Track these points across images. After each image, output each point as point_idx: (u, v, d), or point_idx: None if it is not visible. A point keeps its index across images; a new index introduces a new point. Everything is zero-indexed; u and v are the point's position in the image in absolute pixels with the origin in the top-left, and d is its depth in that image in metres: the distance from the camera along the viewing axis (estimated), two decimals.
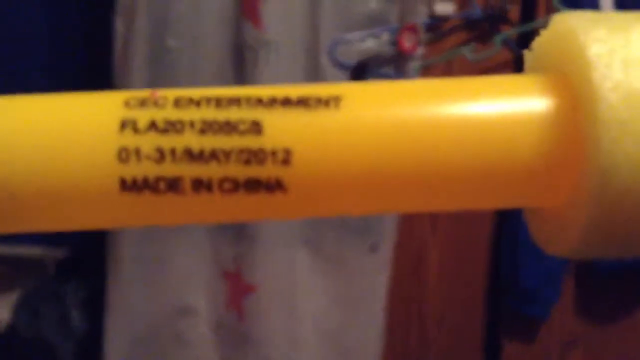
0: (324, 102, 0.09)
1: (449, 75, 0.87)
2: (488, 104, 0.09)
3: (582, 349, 0.90)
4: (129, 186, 0.08)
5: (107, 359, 0.95)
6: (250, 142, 0.08)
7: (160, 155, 0.08)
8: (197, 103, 0.09)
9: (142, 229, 0.88)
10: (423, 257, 0.91)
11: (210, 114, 0.08)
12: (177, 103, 0.09)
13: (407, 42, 0.81)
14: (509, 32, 0.83)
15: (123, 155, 0.08)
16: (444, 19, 0.84)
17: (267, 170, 0.08)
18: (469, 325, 0.94)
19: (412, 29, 0.81)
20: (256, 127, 0.08)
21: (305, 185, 0.09)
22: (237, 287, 0.87)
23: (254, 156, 0.08)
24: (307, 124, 0.08)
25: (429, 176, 0.09)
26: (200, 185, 0.08)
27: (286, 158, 0.08)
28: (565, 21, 0.09)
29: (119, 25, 0.83)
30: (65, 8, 0.89)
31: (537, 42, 0.10)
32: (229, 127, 0.08)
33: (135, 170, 0.08)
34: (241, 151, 0.08)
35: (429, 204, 0.10)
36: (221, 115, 0.08)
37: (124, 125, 0.09)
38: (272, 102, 0.09)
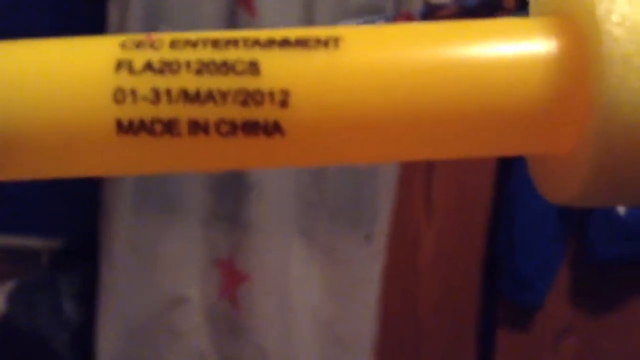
0: (323, 43, 0.09)
1: None
2: (490, 46, 0.09)
3: (577, 337, 0.90)
4: (125, 128, 0.08)
5: (100, 350, 0.95)
6: (248, 82, 0.08)
7: (156, 95, 0.08)
8: (194, 44, 0.09)
9: (134, 218, 0.87)
10: (417, 247, 0.91)
11: (207, 54, 0.08)
12: (174, 44, 0.09)
13: None
14: None
15: (119, 96, 0.09)
16: (439, 6, 0.83)
17: (265, 112, 0.08)
18: (464, 314, 0.93)
19: (407, 17, 0.80)
20: (253, 68, 0.08)
21: (304, 129, 0.09)
22: (230, 276, 0.87)
23: (251, 97, 0.08)
24: (305, 64, 0.09)
25: (431, 120, 0.09)
26: (197, 127, 0.08)
27: (284, 99, 0.08)
28: None
29: (113, 14, 0.82)
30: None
31: None
32: (225, 68, 0.08)
33: (132, 111, 0.08)
34: (238, 92, 0.08)
35: (431, 150, 0.10)
36: (218, 55, 0.08)
37: (119, 66, 0.09)
38: (270, 43, 0.09)
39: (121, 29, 0.82)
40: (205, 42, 0.09)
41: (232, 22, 0.81)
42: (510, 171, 0.89)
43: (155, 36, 0.09)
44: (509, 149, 0.09)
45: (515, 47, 0.09)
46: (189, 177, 0.87)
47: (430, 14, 0.83)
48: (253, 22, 0.80)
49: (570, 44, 0.08)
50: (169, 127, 0.08)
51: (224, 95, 0.08)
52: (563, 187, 0.09)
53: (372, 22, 0.82)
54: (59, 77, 0.10)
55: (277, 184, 0.84)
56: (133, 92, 0.08)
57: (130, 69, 0.09)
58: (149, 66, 0.09)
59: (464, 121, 0.09)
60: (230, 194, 0.85)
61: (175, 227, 0.88)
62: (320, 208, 0.85)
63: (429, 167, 0.93)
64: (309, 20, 0.80)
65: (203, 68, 0.08)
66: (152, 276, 0.90)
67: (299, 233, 0.86)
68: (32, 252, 1.44)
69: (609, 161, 0.08)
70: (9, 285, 1.21)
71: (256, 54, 0.08)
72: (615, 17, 0.08)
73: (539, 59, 0.09)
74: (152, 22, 0.81)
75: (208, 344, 0.90)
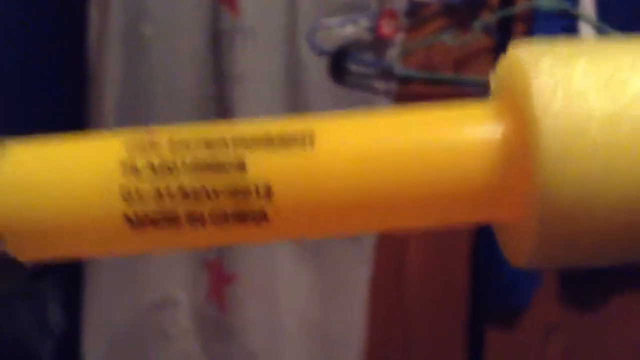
0: (300, 140, 0.10)
1: (429, 62, 0.86)
2: (446, 132, 0.10)
3: (564, 336, 0.90)
4: (132, 222, 0.10)
5: (86, 355, 0.93)
6: (236, 179, 0.09)
7: (158, 194, 0.10)
8: (188, 145, 0.10)
9: None
10: (404, 248, 0.91)
11: (201, 155, 0.09)
12: (172, 146, 0.10)
13: (386, 28, 0.80)
14: (489, 17, 0.83)
15: (126, 195, 0.10)
16: (423, 4, 0.83)
17: (252, 204, 0.10)
18: (452, 316, 0.93)
19: (392, 15, 0.80)
20: (241, 167, 0.10)
21: (286, 215, 0.10)
22: (218, 277, 0.86)
23: (240, 192, 0.09)
24: (285, 161, 0.10)
25: (398, 200, 0.10)
26: (194, 219, 0.09)
27: (268, 192, 0.10)
28: (516, 52, 0.10)
29: (93, 12, 0.81)
30: None
31: (498, 67, 0.11)
32: (217, 167, 0.10)
33: (138, 207, 0.10)
34: (229, 188, 0.09)
35: (400, 223, 0.11)
36: (210, 156, 0.10)
37: (124, 167, 0.10)
38: (255, 142, 0.10)
39: (101, 26, 0.81)
40: (198, 143, 0.10)
41: (213, 20, 0.80)
42: None
43: (155, 134, 0.10)
44: (467, 219, 0.10)
45: (464, 135, 0.10)
46: None
47: (414, 11, 0.83)
48: (236, 21, 0.80)
49: (514, 133, 0.09)
50: (171, 220, 0.10)
51: (216, 191, 0.09)
52: (518, 255, 0.10)
53: (356, 20, 0.82)
54: (73, 179, 0.11)
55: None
56: (138, 191, 0.10)
57: (135, 171, 0.10)
58: (151, 167, 0.10)
59: (427, 199, 0.10)
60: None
61: None
62: None
63: None
64: (292, 16, 0.80)
65: (198, 168, 0.09)
66: (137, 279, 0.89)
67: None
68: (13, 261, 1.42)
69: (552, 234, 0.08)
70: None
71: (243, 154, 0.09)
72: (553, 110, 0.09)
73: (485, 145, 0.09)
74: (133, 21, 0.81)
75: (196, 346, 0.89)
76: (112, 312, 0.91)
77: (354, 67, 0.83)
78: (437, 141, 0.10)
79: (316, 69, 0.82)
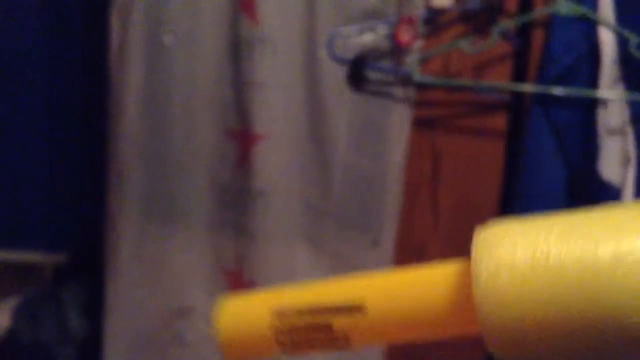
0: (357, 308, 0.16)
1: (448, 68, 0.86)
2: (424, 288, 0.16)
3: None
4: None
5: None
6: (328, 333, 0.16)
7: (291, 340, 0.17)
8: (302, 312, 0.16)
9: (140, 228, 0.87)
10: (424, 252, 0.91)
11: (309, 319, 0.16)
12: (299, 312, 0.17)
13: (404, 35, 0.80)
14: (507, 23, 0.83)
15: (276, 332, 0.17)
16: (441, 11, 0.83)
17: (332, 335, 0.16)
18: None
19: (410, 22, 0.80)
20: (329, 327, 0.16)
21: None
22: (237, 285, 0.86)
23: (332, 339, 0.16)
24: (352, 322, 0.16)
25: (404, 332, 0.15)
26: (309, 345, 0.17)
27: (346, 339, 0.16)
28: (479, 234, 0.15)
29: (115, 21, 0.82)
30: (62, 3, 0.89)
31: (475, 239, 0.16)
32: (318, 327, 0.16)
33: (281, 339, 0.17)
34: (324, 337, 0.16)
35: (402, 339, 0.17)
36: (313, 319, 0.16)
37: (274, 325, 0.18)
38: (338, 310, 0.16)
39: (123, 36, 0.82)
40: (309, 311, 0.16)
41: (233, 29, 0.81)
42: (516, 176, 0.89)
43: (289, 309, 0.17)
44: (441, 335, 0.15)
45: (434, 290, 0.15)
46: (195, 186, 0.87)
47: (432, 18, 0.83)
48: (255, 30, 0.80)
49: (466, 288, 0.13)
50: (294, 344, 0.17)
51: (317, 339, 0.16)
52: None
53: (374, 27, 0.82)
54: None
55: (284, 192, 0.83)
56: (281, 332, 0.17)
57: (281, 324, 0.17)
58: (289, 327, 0.17)
59: (415, 327, 0.16)
60: (237, 202, 0.85)
61: (181, 237, 0.87)
62: (328, 215, 0.85)
63: (435, 175, 0.92)
64: (311, 25, 0.81)
65: (309, 327, 0.15)
66: (158, 287, 0.90)
67: (305, 240, 0.85)
68: (37, 267, 1.43)
69: (499, 345, 0.13)
70: (12, 301, 1.21)
71: (331, 319, 0.15)
72: (485, 274, 0.13)
73: (451, 293, 0.15)
74: (154, 30, 0.81)
75: (214, 354, 0.89)
76: (132, 319, 0.92)
77: (372, 75, 0.83)
78: (420, 294, 0.15)
79: (335, 76, 0.82)
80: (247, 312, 0.18)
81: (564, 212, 0.15)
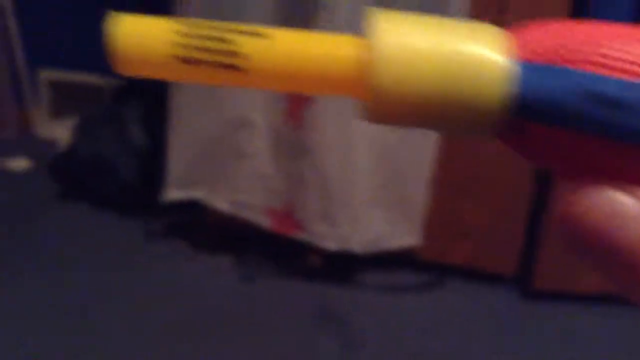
0: (263, 34, 0.16)
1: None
2: (323, 49, 0.16)
3: None
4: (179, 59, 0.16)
5: (169, 169, 0.99)
6: (227, 45, 0.16)
7: (188, 50, 0.16)
8: (205, 26, 0.16)
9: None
10: None
11: (211, 32, 0.16)
12: (203, 25, 0.16)
13: None
14: None
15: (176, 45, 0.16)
16: None
17: (234, 60, 0.16)
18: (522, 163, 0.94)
19: None
20: (230, 41, 0.16)
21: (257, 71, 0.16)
22: (297, 99, 0.88)
23: (230, 53, 0.16)
24: (255, 43, 0.16)
25: (299, 79, 0.16)
26: (203, 62, 0.16)
27: (245, 57, 0.16)
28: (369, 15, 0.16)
29: None
30: None
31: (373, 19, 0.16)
32: (218, 39, 0.16)
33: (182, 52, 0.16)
34: (224, 50, 0.16)
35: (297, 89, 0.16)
36: (216, 33, 0.16)
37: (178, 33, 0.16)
38: (243, 31, 0.16)
39: None
40: (213, 26, 0.16)
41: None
42: (582, 15, 0.87)
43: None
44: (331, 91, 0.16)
45: (335, 51, 0.16)
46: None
47: None
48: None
49: (365, 54, 0.15)
50: (190, 61, 0.16)
51: (217, 51, 0.16)
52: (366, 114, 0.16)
53: None
54: None
55: (347, 2, 0.82)
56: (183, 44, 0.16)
57: (182, 34, 0.16)
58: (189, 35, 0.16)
59: (314, 80, 0.16)
60: (300, 14, 0.84)
61: None
62: None
63: (502, 10, 0.90)
64: None
65: (211, 38, 0.16)
66: (219, 99, 0.92)
67: None
68: (96, 88, 1.48)
69: (383, 105, 0.15)
70: (74, 119, 1.26)
71: (233, 35, 0.16)
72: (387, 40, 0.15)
73: (347, 59, 0.16)
74: None
75: (271, 164, 0.93)
76: (194, 130, 0.95)
77: None
78: (320, 52, 0.16)
79: None
80: (147, 24, 0.17)
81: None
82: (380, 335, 0.88)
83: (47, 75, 1.49)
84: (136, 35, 0.17)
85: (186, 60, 0.16)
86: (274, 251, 1.01)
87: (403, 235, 0.95)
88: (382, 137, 0.89)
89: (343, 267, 1.00)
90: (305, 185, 0.91)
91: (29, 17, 1.43)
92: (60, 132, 1.35)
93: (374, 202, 0.92)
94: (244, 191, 0.95)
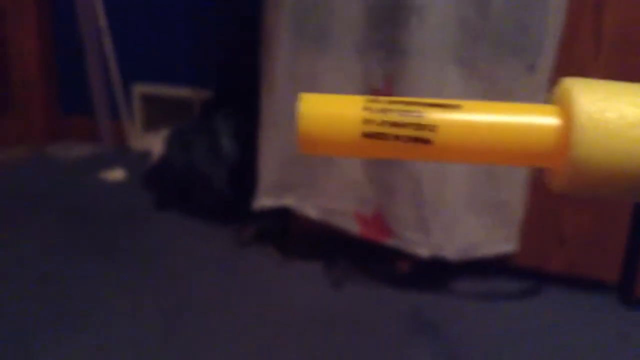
0: (452, 106, 0.17)
1: None
2: (520, 118, 0.17)
3: None
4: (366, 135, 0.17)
5: (260, 179, 1.00)
6: (418, 120, 0.17)
7: (381, 123, 0.17)
8: (394, 101, 0.17)
9: (293, 44, 0.89)
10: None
11: (400, 106, 0.17)
12: (391, 101, 0.17)
13: None
14: None
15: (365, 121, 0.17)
16: None
17: (424, 134, 0.17)
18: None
19: None
20: (419, 113, 0.17)
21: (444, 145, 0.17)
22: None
23: (419, 126, 0.16)
24: (443, 113, 0.17)
25: (497, 153, 0.17)
26: (395, 137, 0.17)
27: (433, 128, 0.17)
28: (564, 83, 0.17)
29: None
30: None
31: (556, 89, 0.17)
32: (407, 112, 0.17)
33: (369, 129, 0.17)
34: (413, 124, 0.17)
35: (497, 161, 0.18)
36: (405, 107, 0.17)
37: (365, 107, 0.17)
38: (432, 104, 0.17)
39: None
40: (401, 101, 0.17)
41: None
42: None
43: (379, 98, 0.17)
44: (530, 163, 0.18)
45: (535, 120, 0.17)
46: (346, 5, 0.86)
47: None
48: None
49: (564, 123, 0.16)
50: (383, 136, 0.17)
51: (407, 125, 0.17)
52: (557, 185, 0.17)
53: None
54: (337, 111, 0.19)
55: (440, 7, 0.81)
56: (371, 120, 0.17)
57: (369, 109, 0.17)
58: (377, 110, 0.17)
59: (506, 155, 0.17)
60: (390, 19, 0.84)
61: (331, 56, 0.89)
62: (483, 37, 0.82)
63: (599, 2, 0.86)
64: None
65: (398, 112, 0.17)
66: None
67: (458, 62, 0.84)
68: (186, 101, 1.53)
69: (577, 180, 0.16)
70: (166, 131, 1.31)
71: (421, 108, 0.17)
72: (585, 115, 0.16)
73: (547, 126, 0.16)
74: None
75: (361, 170, 0.93)
76: (283, 140, 0.96)
77: None
78: (518, 121, 0.16)
79: None
80: (335, 101, 0.18)
81: None
82: (475, 345, 0.85)
83: (140, 89, 1.55)
84: (325, 116, 0.18)
85: (375, 136, 0.17)
86: (364, 257, 1.01)
87: (499, 241, 0.92)
88: None
89: (433, 273, 0.99)
90: (396, 191, 0.90)
91: (123, 35, 1.50)
92: (153, 143, 1.40)
93: (469, 207, 0.90)
94: (333, 197, 0.95)
